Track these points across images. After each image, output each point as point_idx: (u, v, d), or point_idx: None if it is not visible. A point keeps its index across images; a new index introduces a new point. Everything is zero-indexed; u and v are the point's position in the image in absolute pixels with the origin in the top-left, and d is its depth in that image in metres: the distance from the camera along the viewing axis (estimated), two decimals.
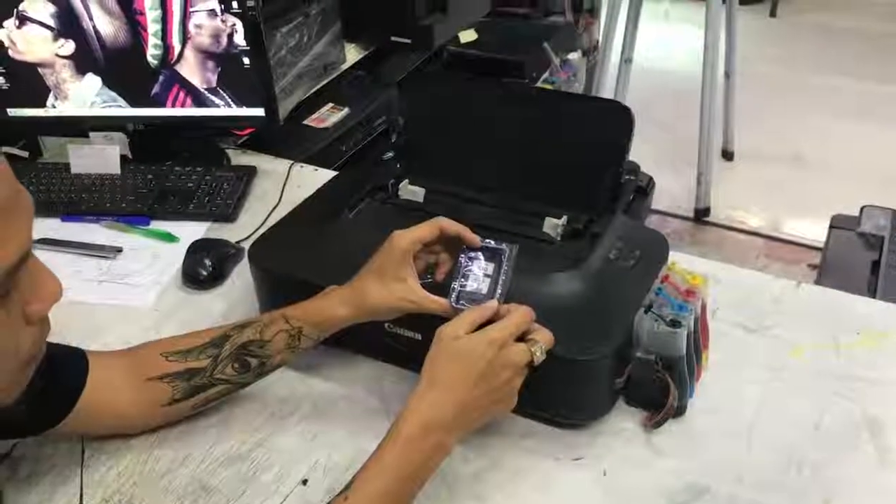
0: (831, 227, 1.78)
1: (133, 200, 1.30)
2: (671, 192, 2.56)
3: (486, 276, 0.84)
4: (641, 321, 0.87)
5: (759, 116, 2.94)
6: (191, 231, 1.25)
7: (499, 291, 0.83)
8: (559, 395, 0.86)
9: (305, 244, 1.00)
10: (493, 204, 1.04)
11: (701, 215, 2.59)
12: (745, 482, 0.83)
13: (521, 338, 0.79)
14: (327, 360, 0.99)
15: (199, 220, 1.28)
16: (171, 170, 1.35)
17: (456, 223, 0.86)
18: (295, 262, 0.97)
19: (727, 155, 2.85)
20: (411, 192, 1.08)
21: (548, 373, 0.82)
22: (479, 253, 0.85)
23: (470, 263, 0.85)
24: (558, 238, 0.99)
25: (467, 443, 0.86)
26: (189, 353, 0.87)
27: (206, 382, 0.87)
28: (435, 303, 0.84)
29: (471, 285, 0.84)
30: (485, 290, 0.83)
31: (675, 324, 0.86)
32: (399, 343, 0.92)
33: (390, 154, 1.25)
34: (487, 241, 0.86)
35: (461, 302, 0.83)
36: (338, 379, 0.97)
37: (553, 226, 1.00)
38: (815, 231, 2.25)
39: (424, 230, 0.85)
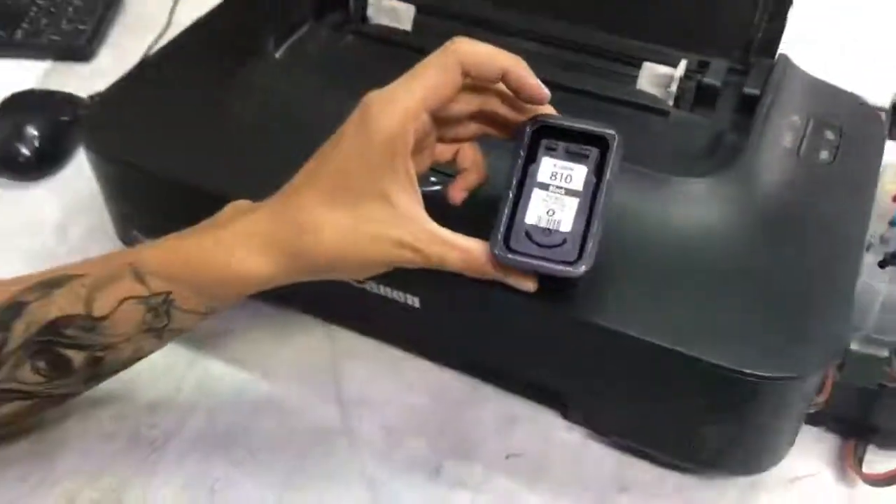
0: None
1: None
2: None
3: (571, 192, 0.39)
4: (869, 283, 0.43)
5: None
6: (16, 75, 0.75)
7: (593, 230, 0.38)
8: (708, 433, 0.43)
9: (190, 112, 0.52)
10: (542, 35, 0.57)
11: None
12: None
13: None
14: (241, 320, 0.54)
15: (32, 56, 0.78)
16: None
17: (498, 51, 0.39)
18: (170, 146, 0.50)
19: None
20: (389, 10, 0.60)
21: (691, 393, 0.40)
22: (557, 142, 0.40)
23: (534, 163, 0.40)
24: (671, 102, 0.53)
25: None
26: None
27: None
28: (458, 249, 0.39)
29: (537, 212, 0.39)
30: (566, 223, 0.38)
31: None
32: (376, 307, 0.48)
33: None
34: (568, 119, 0.40)
35: (516, 248, 0.38)
36: (258, 363, 0.53)
37: (660, 78, 0.53)
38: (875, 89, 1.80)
39: (430, 80, 0.38)
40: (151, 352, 0.44)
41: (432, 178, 0.45)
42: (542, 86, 0.39)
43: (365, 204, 0.39)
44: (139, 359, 0.44)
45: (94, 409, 0.50)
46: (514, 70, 0.38)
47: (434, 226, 0.39)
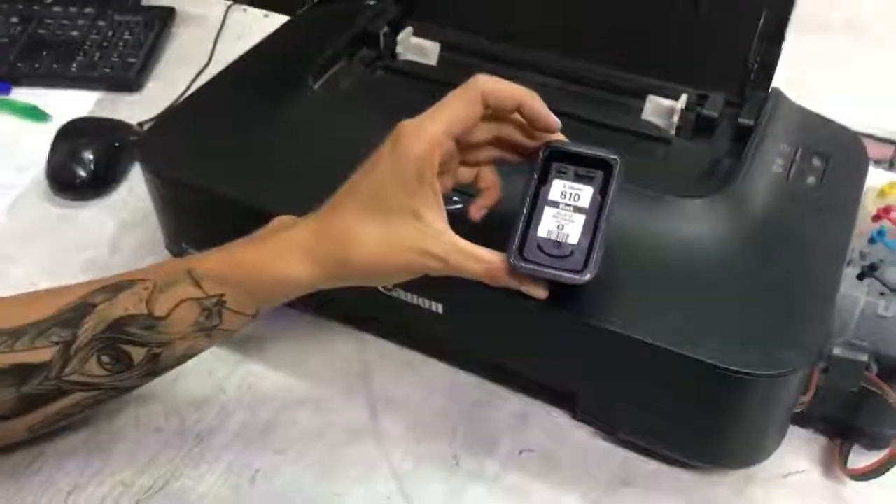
0: None
1: None
2: None
3: (578, 210, 0.44)
4: (849, 294, 0.48)
5: None
6: (71, 104, 0.81)
7: (598, 243, 0.43)
8: (703, 429, 0.48)
9: (237, 137, 0.58)
10: (555, 71, 0.62)
11: None
12: None
13: None
14: (280, 327, 0.59)
15: (86, 87, 0.84)
16: (48, 10, 0.91)
17: (514, 86, 0.44)
18: (218, 167, 0.56)
19: None
20: (417, 47, 0.65)
21: (688, 391, 0.44)
22: (567, 165, 0.45)
23: (546, 184, 0.45)
24: (673, 132, 0.58)
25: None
26: (18, 334, 0.46)
27: (51, 388, 0.47)
28: (478, 260, 0.44)
29: (548, 226, 0.44)
30: (574, 236, 0.43)
31: None
32: (403, 314, 0.53)
33: None
34: (576, 145, 0.45)
35: (529, 258, 0.43)
36: (295, 366, 0.58)
37: (663, 110, 0.59)
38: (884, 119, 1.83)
39: (455, 111, 0.43)
40: (202, 350, 0.49)
41: (455, 198, 0.50)
42: (553, 116, 0.44)
43: (397, 219, 0.44)
44: (191, 356, 0.49)
45: (146, 405, 0.55)
46: (529, 102, 0.44)
47: (457, 238, 0.44)
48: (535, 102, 0.44)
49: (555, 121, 0.44)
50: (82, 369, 0.47)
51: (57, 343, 0.46)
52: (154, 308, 0.46)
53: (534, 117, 0.44)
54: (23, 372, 0.46)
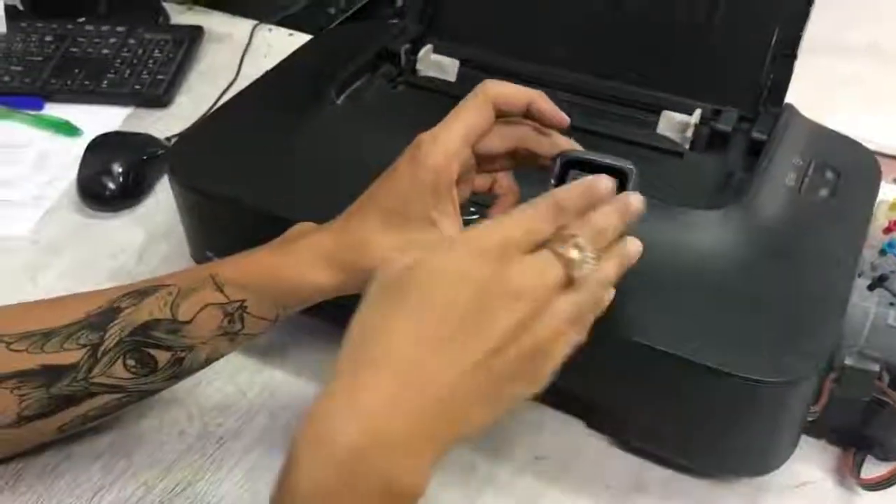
0: None
1: (20, 72, 0.88)
2: None
3: None
4: (859, 304, 0.48)
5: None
6: (102, 120, 0.84)
7: None
8: (714, 436, 0.48)
9: (261, 148, 0.59)
10: (571, 86, 0.64)
11: None
12: None
13: None
14: (298, 335, 0.60)
15: (116, 103, 0.87)
16: (81, 29, 0.94)
17: (521, 87, 0.46)
18: (243, 177, 0.57)
19: None
20: (436, 64, 0.67)
21: (699, 398, 0.45)
22: (583, 173, 0.46)
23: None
24: (687, 146, 0.59)
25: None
26: (49, 336, 0.48)
27: (79, 389, 0.49)
28: None
29: None
30: None
31: None
32: None
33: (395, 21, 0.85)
34: (593, 154, 0.46)
35: None
36: (315, 372, 0.59)
37: (677, 125, 0.60)
38: None
39: (467, 119, 0.45)
40: (225, 354, 0.51)
41: (472, 209, 0.51)
42: (560, 112, 0.46)
43: (414, 227, 0.45)
44: (214, 360, 0.51)
45: (169, 409, 0.56)
46: (537, 100, 0.46)
47: None
48: (542, 100, 0.46)
49: (563, 116, 0.46)
50: (109, 371, 0.48)
51: (85, 346, 0.48)
52: (178, 312, 0.48)
53: (542, 114, 0.46)
54: (52, 373, 0.48)
